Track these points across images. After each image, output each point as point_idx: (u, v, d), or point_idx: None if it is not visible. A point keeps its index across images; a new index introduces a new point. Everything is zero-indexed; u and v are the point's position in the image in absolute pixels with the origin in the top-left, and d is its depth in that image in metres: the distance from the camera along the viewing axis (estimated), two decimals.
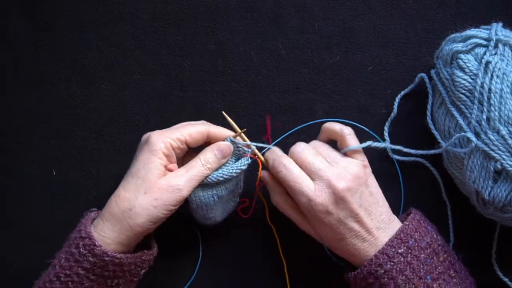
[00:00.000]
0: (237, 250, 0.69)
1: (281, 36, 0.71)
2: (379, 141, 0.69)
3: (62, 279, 0.55)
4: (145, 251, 0.59)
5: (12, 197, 0.70)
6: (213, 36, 0.72)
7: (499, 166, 0.58)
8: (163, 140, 0.58)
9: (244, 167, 0.60)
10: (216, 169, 0.60)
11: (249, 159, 0.61)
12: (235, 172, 0.60)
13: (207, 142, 0.62)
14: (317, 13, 0.71)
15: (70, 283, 0.55)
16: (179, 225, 0.67)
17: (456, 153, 0.61)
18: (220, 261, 0.68)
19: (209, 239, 0.69)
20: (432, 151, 0.62)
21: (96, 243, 0.55)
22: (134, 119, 0.71)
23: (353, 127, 0.68)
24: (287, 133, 0.69)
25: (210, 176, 0.59)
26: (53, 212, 0.70)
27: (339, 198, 0.55)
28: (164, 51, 0.72)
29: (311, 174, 0.58)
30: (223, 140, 0.61)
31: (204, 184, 0.59)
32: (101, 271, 0.56)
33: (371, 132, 0.69)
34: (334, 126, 0.61)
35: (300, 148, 0.60)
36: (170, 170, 0.59)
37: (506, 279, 0.65)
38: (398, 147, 0.64)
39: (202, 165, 0.58)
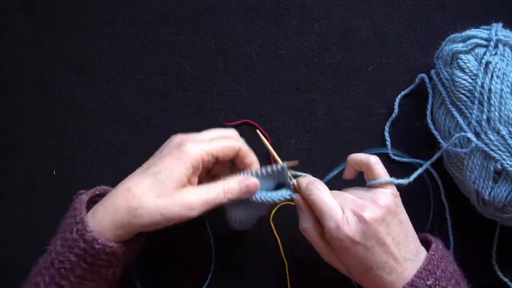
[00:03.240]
0: (238, 251, 0.69)
1: (281, 36, 0.71)
2: (385, 139, 0.69)
3: (56, 265, 0.53)
4: (138, 237, 0.57)
5: (12, 197, 0.70)
6: (213, 36, 0.72)
7: (499, 167, 0.57)
8: (196, 152, 0.55)
9: (288, 197, 0.59)
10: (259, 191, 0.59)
11: (293, 192, 0.59)
12: (278, 199, 0.59)
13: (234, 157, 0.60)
14: (317, 13, 0.71)
15: (63, 270, 0.53)
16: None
17: (456, 153, 0.61)
18: (221, 262, 0.68)
19: (210, 239, 0.69)
20: (435, 156, 0.61)
21: (88, 228, 0.53)
22: (134, 119, 0.71)
23: (358, 129, 0.68)
24: (332, 174, 0.67)
25: (255, 197, 0.58)
26: (53, 212, 0.70)
27: (365, 227, 0.54)
28: (164, 51, 0.72)
29: (339, 205, 0.56)
30: (248, 165, 0.59)
31: (245, 202, 0.59)
32: (92, 260, 0.53)
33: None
34: (359, 156, 0.60)
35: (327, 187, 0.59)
36: (190, 182, 0.56)
37: (506, 280, 0.65)
38: (415, 175, 0.61)
39: (224, 192, 0.56)
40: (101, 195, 0.60)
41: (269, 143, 0.63)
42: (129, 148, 0.71)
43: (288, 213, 0.64)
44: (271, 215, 0.66)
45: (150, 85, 0.71)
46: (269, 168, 0.58)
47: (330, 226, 0.55)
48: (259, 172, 0.58)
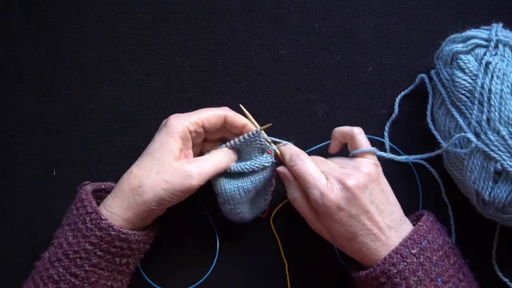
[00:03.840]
0: (238, 251, 0.69)
1: (281, 36, 0.71)
2: (384, 142, 0.69)
3: (70, 256, 0.56)
4: (150, 227, 0.62)
5: (12, 197, 0.70)
6: (213, 36, 0.72)
7: (499, 167, 0.57)
8: (180, 123, 0.59)
9: (267, 164, 0.62)
10: (240, 161, 0.62)
11: (273, 157, 0.62)
12: (256, 167, 0.61)
13: (223, 127, 0.63)
14: (317, 13, 0.71)
15: (78, 259, 0.56)
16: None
17: (456, 153, 0.61)
18: (221, 261, 0.69)
19: (212, 239, 0.69)
20: (433, 153, 0.62)
21: (102, 216, 0.56)
22: (134, 119, 0.71)
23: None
24: (316, 147, 0.68)
25: (233, 166, 0.61)
26: (53, 212, 0.70)
27: (349, 194, 0.56)
28: (164, 51, 0.72)
29: (324, 173, 0.58)
30: (239, 127, 0.62)
31: (228, 176, 0.61)
32: (107, 247, 0.56)
33: (377, 138, 0.70)
34: (343, 128, 0.62)
35: (312, 156, 0.62)
36: (185, 155, 0.60)
37: (506, 280, 0.65)
38: (402, 158, 0.63)
39: (213, 162, 0.60)
40: (108, 191, 0.63)
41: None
42: (129, 148, 0.71)
43: (288, 214, 0.64)
44: (271, 216, 0.66)
45: (150, 85, 0.71)
46: (246, 135, 0.61)
47: (315, 194, 0.57)
48: (237, 140, 0.61)
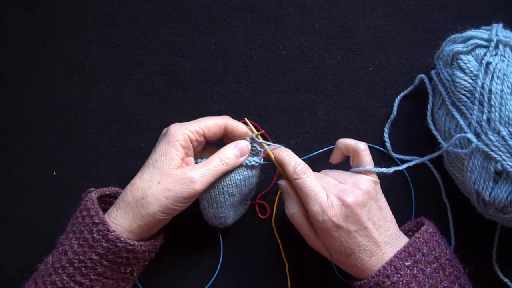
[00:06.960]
0: (239, 251, 0.69)
1: (281, 36, 0.71)
2: (383, 143, 0.69)
3: (75, 264, 0.56)
4: (156, 236, 0.61)
5: (12, 197, 0.70)
6: (213, 36, 0.72)
7: (500, 167, 0.57)
8: (181, 132, 0.59)
9: (255, 164, 0.61)
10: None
11: (261, 159, 0.62)
12: (245, 163, 0.61)
13: (225, 135, 0.62)
14: (317, 13, 0.71)
15: (83, 268, 0.56)
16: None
17: (456, 154, 0.61)
18: (222, 262, 0.69)
19: (212, 240, 0.69)
20: (433, 154, 0.62)
21: (110, 228, 0.56)
22: (134, 119, 0.71)
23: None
24: (312, 154, 0.69)
25: None
26: (53, 212, 0.70)
27: (348, 211, 0.56)
28: (164, 51, 0.72)
29: (323, 189, 0.58)
30: (241, 135, 0.61)
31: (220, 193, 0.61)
32: (114, 258, 0.56)
33: (380, 148, 0.70)
34: (349, 141, 0.62)
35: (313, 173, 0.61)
36: (187, 164, 0.60)
37: (506, 280, 0.65)
38: (403, 166, 0.63)
39: (220, 160, 0.59)
40: (112, 196, 0.63)
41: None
42: (129, 148, 0.71)
43: None
44: (273, 217, 0.66)
45: (150, 85, 0.71)
46: (247, 138, 0.61)
47: (315, 210, 0.56)
48: None
